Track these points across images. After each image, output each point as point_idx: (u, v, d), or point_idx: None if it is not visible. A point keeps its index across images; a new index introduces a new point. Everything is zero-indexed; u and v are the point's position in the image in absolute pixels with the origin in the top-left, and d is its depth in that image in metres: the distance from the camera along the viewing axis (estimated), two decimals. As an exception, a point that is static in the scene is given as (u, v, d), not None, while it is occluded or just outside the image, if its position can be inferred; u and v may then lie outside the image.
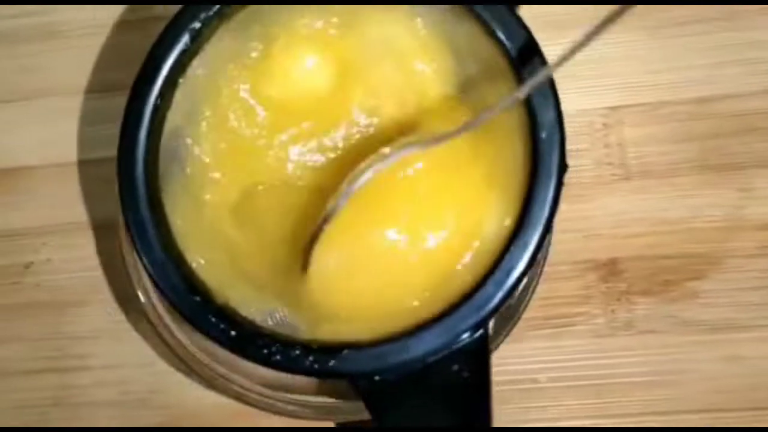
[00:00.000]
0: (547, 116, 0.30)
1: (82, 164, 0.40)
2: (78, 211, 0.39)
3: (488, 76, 0.31)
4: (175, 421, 0.38)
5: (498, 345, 0.35)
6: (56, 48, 0.41)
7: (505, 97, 0.29)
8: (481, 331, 0.29)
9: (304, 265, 0.30)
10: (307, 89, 0.32)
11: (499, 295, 0.29)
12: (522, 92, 0.29)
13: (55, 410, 0.38)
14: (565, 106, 0.38)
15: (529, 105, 0.30)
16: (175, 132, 0.31)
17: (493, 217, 0.30)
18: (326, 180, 0.32)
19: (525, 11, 0.31)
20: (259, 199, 0.32)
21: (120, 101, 0.31)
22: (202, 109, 0.32)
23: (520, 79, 0.30)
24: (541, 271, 0.36)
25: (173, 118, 0.31)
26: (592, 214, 0.38)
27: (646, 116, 0.38)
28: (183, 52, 0.31)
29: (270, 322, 0.30)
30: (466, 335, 0.29)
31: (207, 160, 0.32)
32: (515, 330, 0.36)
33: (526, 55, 0.30)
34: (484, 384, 0.30)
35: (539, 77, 0.28)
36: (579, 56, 0.39)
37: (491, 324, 0.30)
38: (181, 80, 0.31)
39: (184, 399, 0.38)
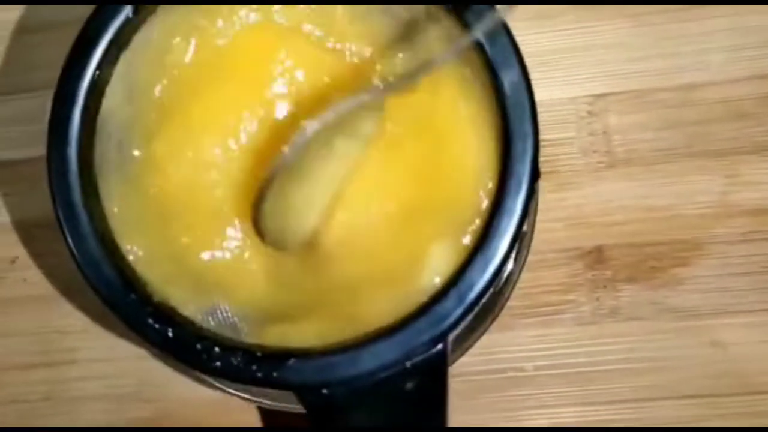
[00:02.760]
0: (520, 123, 0.28)
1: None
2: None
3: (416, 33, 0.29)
4: (164, 415, 0.38)
5: (482, 334, 0.35)
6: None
7: (457, 41, 0.27)
8: (439, 347, 0.27)
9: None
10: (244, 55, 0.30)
11: (460, 309, 0.27)
12: (474, 33, 0.26)
13: (45, 405, 0.38)
14: (549, 94, 0.38)
15: (501, 109, 0.28)
16: (116, 109, 0.29)
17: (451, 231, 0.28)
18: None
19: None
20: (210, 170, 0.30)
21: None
22: (149, 84, 0.29)
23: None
24: (524, 261, 0.36)
25: (113, 94, 0.29)
26: (577, 202, 0.38)
27: (632, 104, 0.38)
28: (126, 22, 0.28)
29: (212, 323, 0.28)
30: (422, 350, 0.27)
31: (154, 141, 0.29)
32: (500, 318, 0.36)
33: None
34: (439, 404, 0.28)
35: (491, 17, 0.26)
36: (563, 44, 0.39)
37: (451, 339, 0.28)
38: (124, 53, 0.29)
39: (173, 392, 0.38)
